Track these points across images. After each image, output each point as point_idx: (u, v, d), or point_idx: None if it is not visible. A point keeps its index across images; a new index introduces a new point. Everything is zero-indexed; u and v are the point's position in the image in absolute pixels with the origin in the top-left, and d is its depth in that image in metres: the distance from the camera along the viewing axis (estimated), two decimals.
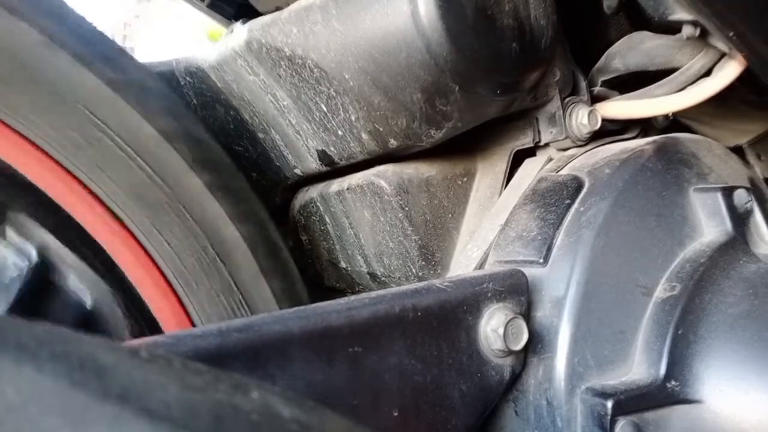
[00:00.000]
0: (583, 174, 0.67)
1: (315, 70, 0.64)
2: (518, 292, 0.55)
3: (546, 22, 0.66)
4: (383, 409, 0.47)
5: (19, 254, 0.53)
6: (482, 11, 0.60)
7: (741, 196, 0.65)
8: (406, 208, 0.69)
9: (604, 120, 0.75)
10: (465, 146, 0.75)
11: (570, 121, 0.74)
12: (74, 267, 0.55)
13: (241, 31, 0.70)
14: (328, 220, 0.76)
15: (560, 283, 0.59)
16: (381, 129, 0.66)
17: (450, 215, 0.72)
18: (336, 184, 0.74)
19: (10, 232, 0.53)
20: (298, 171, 0.76)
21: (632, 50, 0.77)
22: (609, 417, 0.53)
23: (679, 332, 0.58)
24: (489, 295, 0.54)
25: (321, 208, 0.76)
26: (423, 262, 0.70)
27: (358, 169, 0.72)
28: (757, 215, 0.67)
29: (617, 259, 0.61)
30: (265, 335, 0.41)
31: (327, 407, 0.25)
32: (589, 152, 0.74)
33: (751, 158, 0.91)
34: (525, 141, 0.76)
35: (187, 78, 0.76)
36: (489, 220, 0.71)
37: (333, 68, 0.63)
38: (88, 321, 0.55)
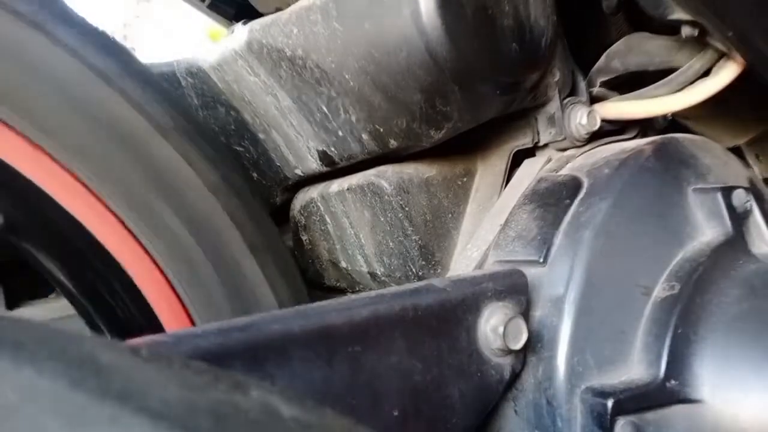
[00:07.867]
0: (582, 174, 0.67)
1: (315, 70, 0.64)
2: (518, 291, 0.55)
3: (546, 23, 0.66)
4: (383, 408, 0.47)
5: None
6: (482, 11, 0.60)
7: (740, 196, 0.65)
8: (406, 208, 0.69)
9: (603, 120, 0.75)
10: (465, 146, 0.75)
11: (569, 122, 0.74)
12: None
13: (241, 31, 0.70)
14: (328, 220, 0.76)
15: (560, 283, 0.59)
16: (381, 129, 0.66)
17: (450, 215, 0.72)
18: (336, 184, 0.74)
19: None
20: (298, 171, 0.76)
21: (632, 50, 0.77)
22: (609, 417, 0.53)
23: (679, 332, 0.58)
24: (489, 294, 0.53)
25: (321, 208, 0.76)
26: (423, 262, 0.70)
27: (359, 169, 0.72)
28: (756, 215, 0.67)
29: (617, 259, 0.61)
30: (265, 335, 0.41)
31: (327, 407, 0.25)
32: (588, 153, 0.74)
33: (750, 158, 0.91)
34: (524, 141, 0.76)
35: (188, 78, 0.76)
36: (489, 220, 0.71)
37: (333, 69, 0.63)
38: None
